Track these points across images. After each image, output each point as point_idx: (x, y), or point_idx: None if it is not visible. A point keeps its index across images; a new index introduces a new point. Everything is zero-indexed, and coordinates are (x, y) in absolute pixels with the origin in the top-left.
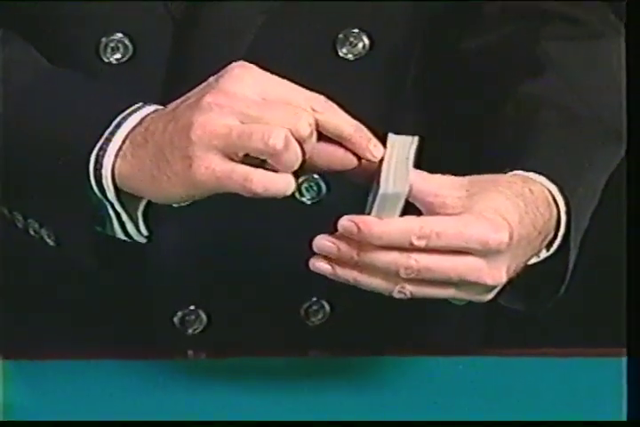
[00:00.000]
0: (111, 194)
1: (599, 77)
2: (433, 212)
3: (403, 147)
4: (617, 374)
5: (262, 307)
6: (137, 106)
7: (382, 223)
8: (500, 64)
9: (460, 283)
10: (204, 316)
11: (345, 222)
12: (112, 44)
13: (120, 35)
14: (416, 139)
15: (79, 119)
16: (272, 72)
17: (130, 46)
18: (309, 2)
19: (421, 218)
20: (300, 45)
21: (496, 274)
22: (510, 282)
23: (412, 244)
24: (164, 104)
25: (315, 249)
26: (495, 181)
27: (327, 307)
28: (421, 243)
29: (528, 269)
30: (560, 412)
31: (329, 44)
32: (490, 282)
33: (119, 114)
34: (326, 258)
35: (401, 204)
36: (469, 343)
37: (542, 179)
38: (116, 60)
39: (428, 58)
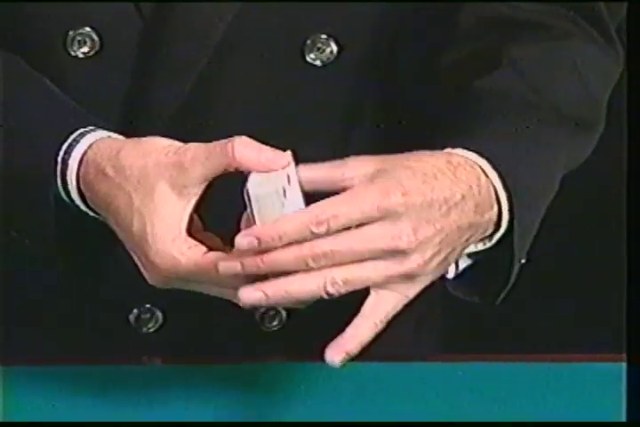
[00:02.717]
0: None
1: (558, 71)
2: None
3: None
4: (617, 379)
5: (218, 310)
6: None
7: (277, 226)
8: (465, 67)
9: (377, 255)
10: (159, 314)
11: (242, 240)
12: (79, 38)
13: (87, 29)
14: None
15: (30, 145)
16: None
17: (97, 40)
18: (278, 6)
19: (312, 206)
20: (268, 49)
21: (404, 236)
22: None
23: (313, 233)
24: (132, 96)
25: (221, 273)
26: (408, 156)
27: (283, 313)
28: (322, 229)
29: (475, 257)
30: (561, 416)
31: (297, 49)
32: (402, 245)
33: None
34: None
35: (278, 201)
36: (458, 349)
37: (471, 154)
38: (83, 53)
39: (397, 65)
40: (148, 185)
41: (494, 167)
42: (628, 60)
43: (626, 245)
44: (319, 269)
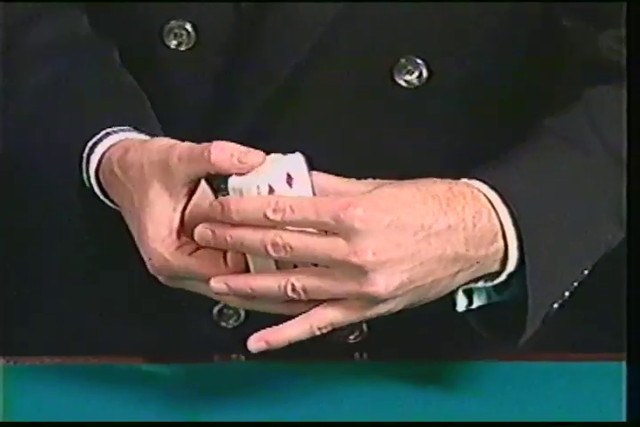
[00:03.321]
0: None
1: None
2: None
3: None
4: (617, 379)
5: None
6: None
7: (240, 200)
8: (548, 104)
9: (334, 266)
10: (242, 311)
11: (213, 202)
12: (176, 31)
13: (185, 22)
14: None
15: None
16: None
17: (192, 34)
18: (376, 21)
19: (279, 195)
20: (357, 62)
21: (360, 253)
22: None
23: (267, 217)
24: (218, 92)
25: (196, 239)
26: (414, 180)
27: (364, 326)
28: (277, 217)
29: (496, 296)
30: (561, 416)
31: (387, 67)
32: (356, 261)
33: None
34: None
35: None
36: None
37: (481, 185)
38: (178, 45)
39: (483, 95)
40: (144, 185)
41: (505, 202)
42: (628, 60)
43: (626, 245)
44: (282, 270)
